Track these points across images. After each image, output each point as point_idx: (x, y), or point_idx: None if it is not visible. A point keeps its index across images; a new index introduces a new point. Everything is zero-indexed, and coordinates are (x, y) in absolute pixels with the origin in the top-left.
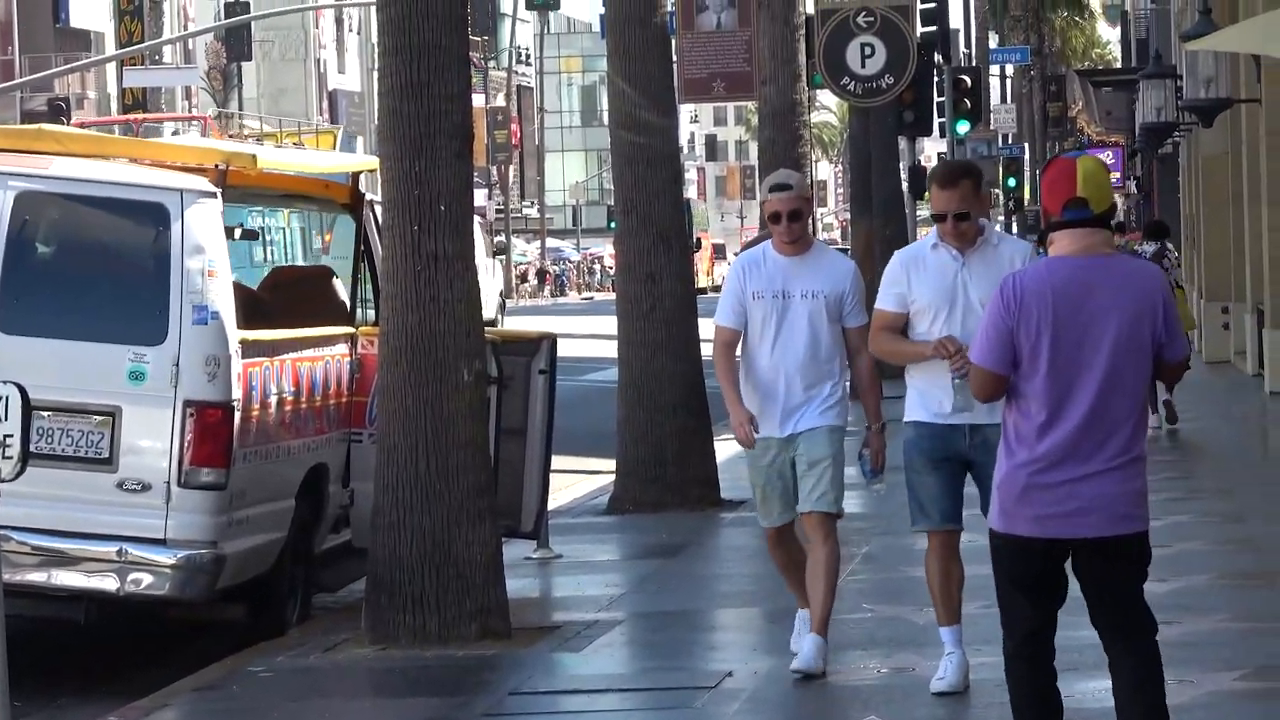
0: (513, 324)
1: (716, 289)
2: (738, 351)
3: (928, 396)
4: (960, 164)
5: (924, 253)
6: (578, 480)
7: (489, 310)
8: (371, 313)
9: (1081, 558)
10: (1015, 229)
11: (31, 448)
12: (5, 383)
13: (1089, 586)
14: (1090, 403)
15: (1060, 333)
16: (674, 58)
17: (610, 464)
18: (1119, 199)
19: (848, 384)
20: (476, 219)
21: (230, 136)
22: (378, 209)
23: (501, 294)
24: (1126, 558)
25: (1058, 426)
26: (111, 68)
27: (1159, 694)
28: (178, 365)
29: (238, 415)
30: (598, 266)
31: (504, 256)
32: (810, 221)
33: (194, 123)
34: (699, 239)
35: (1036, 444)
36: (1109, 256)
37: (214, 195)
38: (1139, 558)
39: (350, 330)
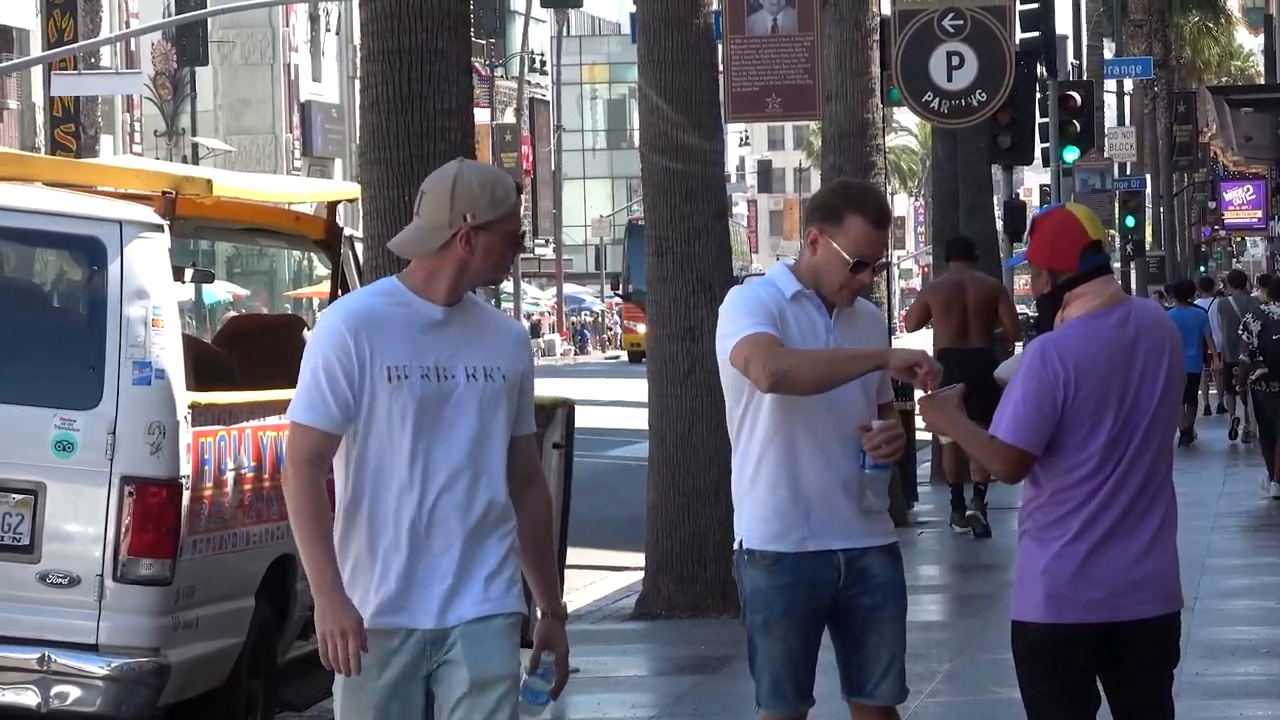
0: None
1: None
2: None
3: (787, 507)
4: (883, 196)
5: (781, 303)
6: (598, 578)
7: None
8: None
9: (1126, 646)
10: (1134, 278)
11: None
12: None
13: (1128, 681)
14: (1145, 464)
15: (1124, 396)
16: (720, 67)
17: (638, 558)
18: (1261, 243)
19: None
20: None
21: None
22: (359, 246)
23: None
24: (1171, 641)
25: (1114, 494)
26: (38, 72)
27: None
28: (114, 434)
29: (186, 495)
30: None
31: None
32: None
33: None
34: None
35: (1090, 516)
36: (1129, 301)
37: (160, 228)
38: (1177, 641)
39: None
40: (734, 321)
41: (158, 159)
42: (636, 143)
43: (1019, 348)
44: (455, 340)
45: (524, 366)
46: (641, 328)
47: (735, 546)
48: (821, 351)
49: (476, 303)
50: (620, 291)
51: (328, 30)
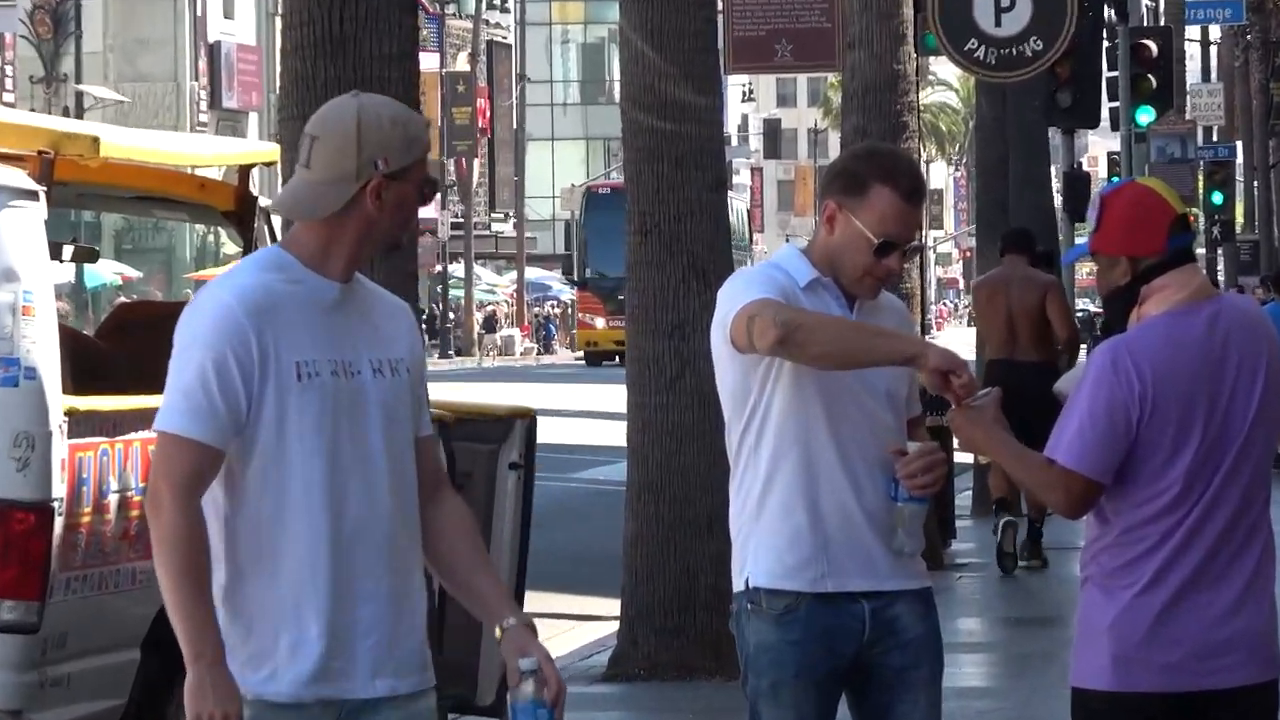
0: (474, 394)
1: None
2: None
3: (804, 535)
4: (917, 165)
5: (793, 291)
6: (564, 629)
7: None
8: None
9: (1209, 718)
10: (1222, 266)
11: None
12: None
13: None
14: (1236, 495)
15: (1213, 413)
16: (719, 7)
17: (612, 605)
18: None
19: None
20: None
21: None
22: (276, 220)
23: None
24: (1267, 715)
25: (1197, 532)
26: None
27: None
28: None
29: (59, 522)
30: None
31: None
32: None
33: None
34: None
35: (1167, 560)
36: (1219, 296)
37: (34, 195)
38: (1275, 715)
39: None
40: (735, 299)
41: (33, 111)
42: (616, 97)
43: (1082, 356)
44: (353, 327)
45: (420, 353)
46: (601, 322)
47: (736, 590)
48: (846, 319)
49: (360, 279)
50: (575, 278)
51: None
